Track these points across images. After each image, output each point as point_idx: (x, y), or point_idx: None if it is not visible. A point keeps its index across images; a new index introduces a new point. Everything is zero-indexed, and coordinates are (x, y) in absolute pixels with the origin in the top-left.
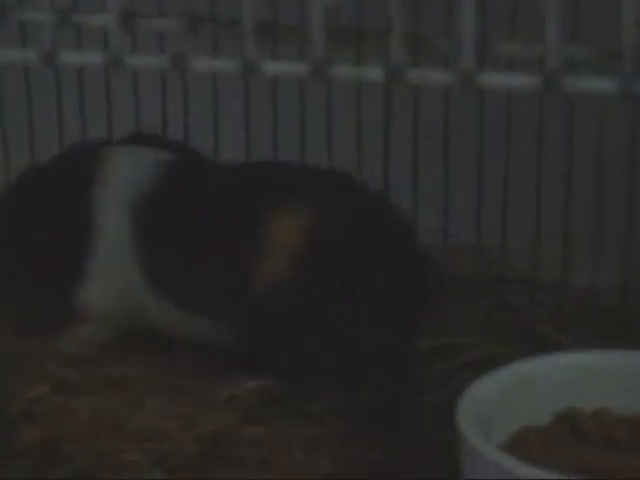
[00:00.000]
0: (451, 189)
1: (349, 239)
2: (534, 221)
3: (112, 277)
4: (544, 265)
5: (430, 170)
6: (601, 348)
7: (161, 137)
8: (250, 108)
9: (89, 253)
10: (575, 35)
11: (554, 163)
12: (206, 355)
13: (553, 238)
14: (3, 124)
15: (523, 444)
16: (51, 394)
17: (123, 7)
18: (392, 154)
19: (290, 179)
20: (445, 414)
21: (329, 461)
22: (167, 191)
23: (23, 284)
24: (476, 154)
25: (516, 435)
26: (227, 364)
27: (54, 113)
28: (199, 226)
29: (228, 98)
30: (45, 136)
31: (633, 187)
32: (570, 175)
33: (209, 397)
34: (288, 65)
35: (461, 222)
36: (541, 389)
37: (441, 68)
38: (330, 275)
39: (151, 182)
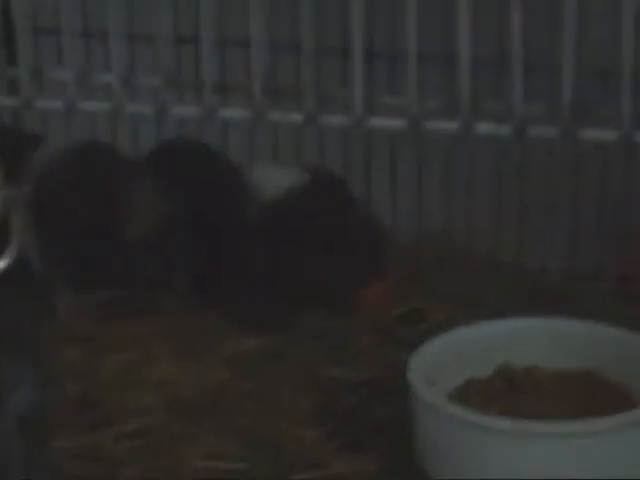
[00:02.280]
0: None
1: None
2: (495, 214)
3: None
4: (502, 249)
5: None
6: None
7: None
8: None
9: None
10: None
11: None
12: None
13: (510, 227)
14: None
15: (465, 393)
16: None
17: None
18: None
19: None
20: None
21: (309, 402)
22: None
23: None
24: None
25: (462, 386)
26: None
27: None
28: None
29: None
30: None
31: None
32: (522, 175)
33: (212, 355)
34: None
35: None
36: (485, 348)
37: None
38: None
39: None
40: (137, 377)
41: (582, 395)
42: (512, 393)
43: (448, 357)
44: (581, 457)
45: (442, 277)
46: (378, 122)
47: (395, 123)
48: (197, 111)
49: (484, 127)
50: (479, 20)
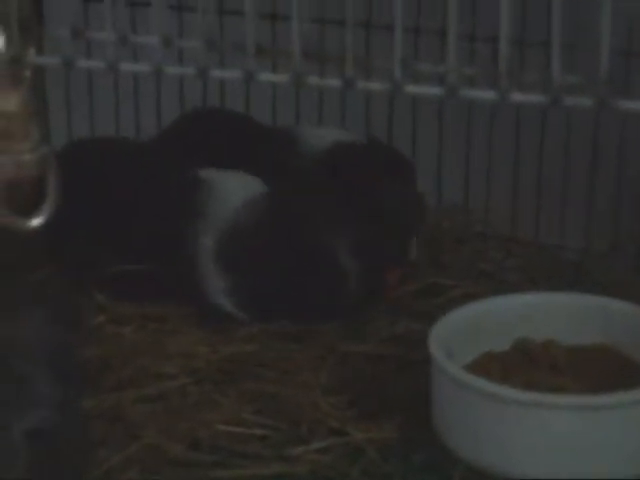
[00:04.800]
0: (444, 162)
1: None
2: (512, 189)
3: None
4: (520, 225)
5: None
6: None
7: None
8: None
9: None
10: None
11: (530, 143)
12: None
13: (528, 204)
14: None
15: (484, 366)
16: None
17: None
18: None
19: None
20: (424, 341)
21: (328, 373)
22: None
23: None
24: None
25: (478, 359)
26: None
27: None
28: None
29: None
30: None
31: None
32: (542, 151)
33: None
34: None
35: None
36: (502, 322)
37: None
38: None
39: None
40: (158, 345)
41: (598, 370)
42: (529, 367)
43: (465, 331)
44: (598, 430)
45: (460, 253)
46: (416, 89)
47: (433, 90)
48: (238, 74)
49: (520, 96)
50: None
